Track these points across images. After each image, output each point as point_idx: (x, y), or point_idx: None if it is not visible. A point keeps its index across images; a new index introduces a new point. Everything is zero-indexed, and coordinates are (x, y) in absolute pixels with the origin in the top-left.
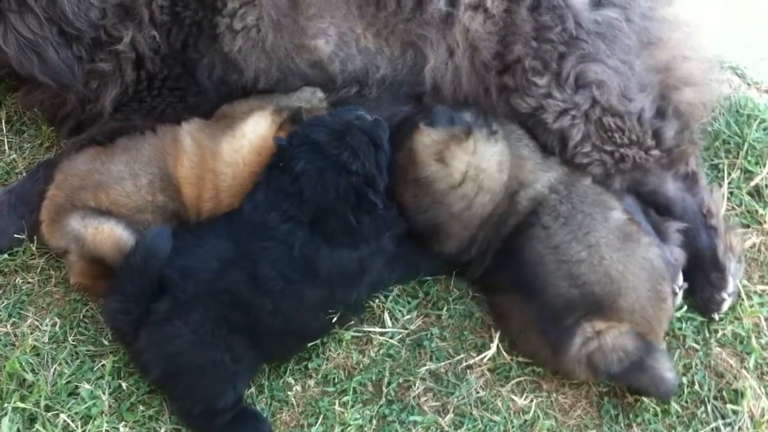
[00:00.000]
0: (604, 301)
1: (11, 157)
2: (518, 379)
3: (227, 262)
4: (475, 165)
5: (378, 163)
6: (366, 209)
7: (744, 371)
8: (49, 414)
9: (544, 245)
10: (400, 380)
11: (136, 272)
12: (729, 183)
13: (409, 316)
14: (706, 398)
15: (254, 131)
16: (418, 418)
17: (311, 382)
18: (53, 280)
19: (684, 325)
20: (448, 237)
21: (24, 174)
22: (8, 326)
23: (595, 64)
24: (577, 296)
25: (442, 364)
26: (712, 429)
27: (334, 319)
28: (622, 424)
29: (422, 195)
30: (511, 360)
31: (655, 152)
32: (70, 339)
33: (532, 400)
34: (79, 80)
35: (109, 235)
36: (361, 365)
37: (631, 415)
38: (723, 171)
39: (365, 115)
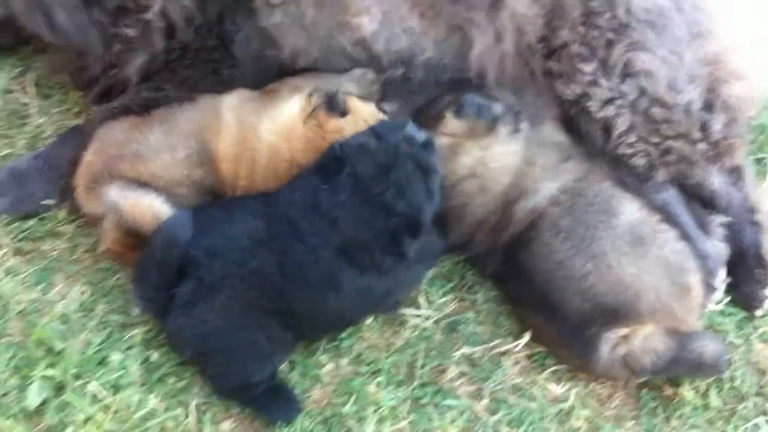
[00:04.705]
0: (620, 309)
1: (39, 122)
2: (554, 368)
3: (258, 241)
4: (484, 163)
5: (429, 189)
6: (396, 252)
7: None
8: (78, 382)
9: (548, 262)
10: (434, 363)
11: (156, 262)
12: None
13: (444, 299)
14: (747, 394)
15: (288, 114)
16: (453, 402)
17: (344, 361)
18: (82, 247)
19: (725, 320)
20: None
21: (52, 140)
22: (36, 293)
23: (644, 53)
24: (590, 310)
25: (477, 348)
26: (753, 425)
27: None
28: (660, 417)
29: None
30: (547, 348)
31: (702, 145)
32: (99, 308)
33: (569, 389)
34: (96, 45)
35: (149, 207)
36: (395, 346)
37: (670, 408)
38: None
39: (413, 131)
